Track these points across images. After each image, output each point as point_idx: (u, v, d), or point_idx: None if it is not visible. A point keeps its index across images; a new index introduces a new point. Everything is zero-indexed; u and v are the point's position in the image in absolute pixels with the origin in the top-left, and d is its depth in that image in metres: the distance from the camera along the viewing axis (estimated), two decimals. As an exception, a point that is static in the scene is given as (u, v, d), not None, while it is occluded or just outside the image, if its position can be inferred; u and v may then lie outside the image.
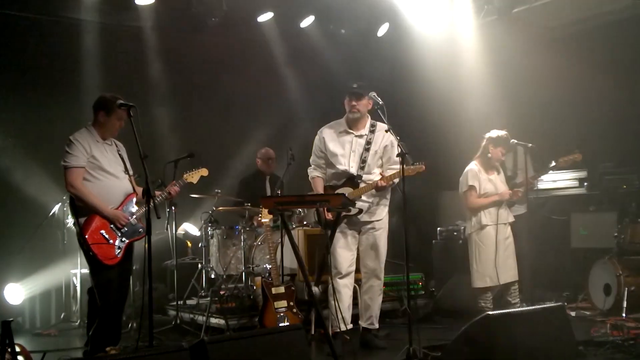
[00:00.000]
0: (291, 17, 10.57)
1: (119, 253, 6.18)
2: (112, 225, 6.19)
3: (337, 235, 6.74)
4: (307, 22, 10.61)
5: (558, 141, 9.26)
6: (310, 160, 7.05)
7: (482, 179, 7.55)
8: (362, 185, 6.75)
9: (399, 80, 11.21)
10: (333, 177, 6.89)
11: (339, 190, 6.67)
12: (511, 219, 7.57)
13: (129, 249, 6.36)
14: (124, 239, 6.24)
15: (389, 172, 6.76)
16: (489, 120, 8.66)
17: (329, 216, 6.63)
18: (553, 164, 8.09)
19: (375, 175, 6.81)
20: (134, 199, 6.38)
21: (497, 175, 7.68)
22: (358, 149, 6.82)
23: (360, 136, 6.84)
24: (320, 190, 6.82)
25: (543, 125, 9.76)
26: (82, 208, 6.21)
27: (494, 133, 7.65)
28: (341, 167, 6.80)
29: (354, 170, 6.78)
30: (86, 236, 6.10)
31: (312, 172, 7.01)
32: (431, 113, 11.01)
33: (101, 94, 6.46)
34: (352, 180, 6.78)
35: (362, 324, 6.93)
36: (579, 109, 10.15)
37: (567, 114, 10.22)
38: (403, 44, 10.91)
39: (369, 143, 6.80)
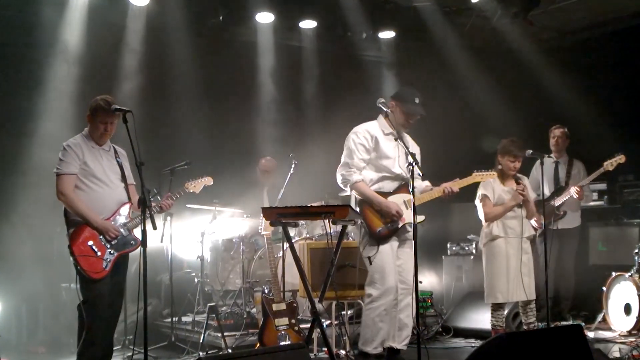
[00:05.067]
0: (292, 19, 10.65)
1: (106, 266, 6.13)
2: (101, 237, 6.17)
3: (387, 249, 6.59)
4: (309, 24, 10.69)
5: (575, 153, 9.25)
6: (349, 162, 6.64)
7: (497, 188, 7.52)
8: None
9: (406, 84, 11.26)
10: (380, 180, 6.71)
11: (395, 197, 6.64)
12: (528, 234, 7.51)
13: (122, 261, 6.34)
14: (112, 251, 6.20)
15: (421, 184, 6.82)
16: (502, 130, 8.70)
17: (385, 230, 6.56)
18: (602, 169, 8.29)
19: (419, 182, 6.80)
20: (127, 209, 6.37)
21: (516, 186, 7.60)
22: (402, 154, 6.73)
23: (401, 137, 6.73)
24: (377, 196, 6.57)
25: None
26: (72, 217, 6.21)
27: (501, 143, 7.64)
28: (397, 171, 6.69)
29: (407, 175, 6.58)
30: (73, 247, 6.09)
31: (355, 175, 6.58)
32: (439, 121, 11.04)
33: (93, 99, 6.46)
34: (408, 186, 6.63)
35: (396, 345, 6.70)
36: (597, 118, 10.18)
37: (582, 123, 10.25)
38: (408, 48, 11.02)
39: (407, 149, 6.67)
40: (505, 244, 7.41)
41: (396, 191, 6.71)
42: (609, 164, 8.30)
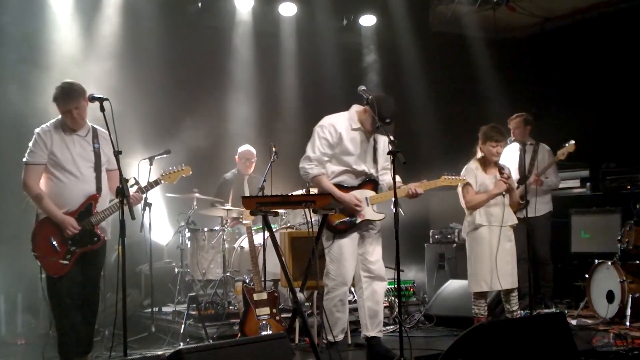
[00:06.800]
0: (271, 3, 10.68)
1: (66, 264, 6.05)
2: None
3: (344, 241, 6.62)
4: (288, 10, 10.68)
5: (559, 139, 9.26)
6: (311, 156, 6.60)
7: (479, 175, 7.49)
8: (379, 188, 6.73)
9: (388, 73, 11.27)
10: (338, 175, 6.69)
11: (357, 192, 6.59)
12: (512, 222, 7.50)
13: (93, 256, 6.24)
14: (74, 247, 6.09)
15: (387, 175, 6.80)
16: (485, 117, 8.71)
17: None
18: (556, 158, 8.33)
19: (383, 177, 6.81)
20: (93, 202, 6.18)
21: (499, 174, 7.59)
22: (369, 150, 6.71)
23: (370, 135, 6.71)
24: (335, 190, 6.52)
25: (541, 122, 9.75)
26: (39, 211, 6.14)
27: (480, 130, 7.62)
28: (359, 167, 6.65)
29: (372, 171, 6.69)
30: (33, 245, 6.08)
31: (315, 169, 6.57)
32: (422, 109, 11.05)
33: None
34: (374, 182, 6.70)
35: (371, 333, 6.73)
36: (579, 104, 10.20)
37: (567, 110, 10.28)
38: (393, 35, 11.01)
39: (375, 142, 6.72)
40: (489, 232, 7.41)
41: (359, 187, 6.68)
42: (561, 154, 8.34)
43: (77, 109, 6.13)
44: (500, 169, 7.49)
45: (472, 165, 7.55)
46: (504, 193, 7.45)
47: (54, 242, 6.07)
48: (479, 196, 7.44)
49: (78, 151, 6.21)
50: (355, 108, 6.72)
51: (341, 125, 6.65)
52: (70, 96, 6.06)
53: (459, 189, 7.56)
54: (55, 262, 6.05)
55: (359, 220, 6.59)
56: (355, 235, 6.68)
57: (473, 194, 7.46)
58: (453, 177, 6.99)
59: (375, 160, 6.75)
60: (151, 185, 6.44)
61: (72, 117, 6.15)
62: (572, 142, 8.29)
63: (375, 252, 6.76)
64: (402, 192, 6.62)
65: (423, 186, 6.66)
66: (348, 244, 6.63)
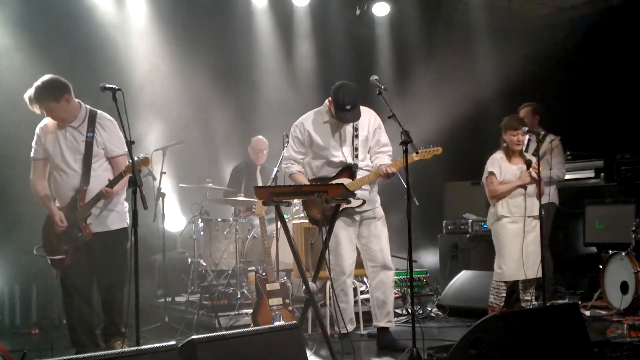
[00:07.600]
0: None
1: (62, 259, 6.09)
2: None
3: (339, 230, 6.66)
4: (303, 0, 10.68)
5: (571, 129, 9.21)
6: (285, 155, 6.87)
7: (503, 166, 7.46)
8: (359, 174, 6.71)
9: (400, 62, 11.23)
10: (322, 168, 6.75)
11: (336, 182, 6.54)
12: (535, 212, 7.45)
13: (93, 247, 6.22)
14: (65, 243, 6.11)
15: (382, 158, 6.78)
16: (500, 107, 8.66)
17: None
18: (544, 152, 8.24)
19: (367, 162, 6.78)
20: (78, 197, 6.08)
21: (524, 165, 7.55)
22: (347, 138, 6.72)
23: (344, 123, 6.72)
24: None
25: (555, 113, 9.69)
26: None
27: (502, 121, 7.59)
28: (336, 159, 6.68)
29: (349, 160, 6.69)
30: (42, 238, 6.18)
31: (291, 168, 6.77)
32: (436, 97, 11.01)
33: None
34: (349, 170, 6.68)
35: (380, 323, 6.79)
36: (594, 94, 10.14)
37: (580, 100, 10.21)
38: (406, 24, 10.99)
39: (356, 129, 6.71)
40: (511, 223, 7.39)
41: (336, 176, 6.69)
42: (548, 149, 8.28)
43: (50, 111, 6.02)
44: (528, 163, 7.44)
45: (497, 155, 7.55)
46: (525, 185, 7.43)
47: (53, 239, 6.14)
48: (502, 186, 7.42)
49: (69, 144, 6.12)
50: (327, 101, 6.76)
51: (310, 122, 6.77)
52: (35, 103, 5.96)
53: (483, 179, 7.55)
54: (54, 259, 6.11)
55: (340, 208, 6.56)
56: (347, 225, 6.72)
57: (497, 184, 7.44)
58: (427, 150, 6.52)
59: (355, 148, 6.74)
60: (117, 179, 5.99)
61: (49, 117, 6.11)
62: (558, 137, 8.26)
63: (377, 241, 6.77)
64: (374, 175, 6.63)
65: (395, 165, 6.54)
66: (343, 234, 6.69)
